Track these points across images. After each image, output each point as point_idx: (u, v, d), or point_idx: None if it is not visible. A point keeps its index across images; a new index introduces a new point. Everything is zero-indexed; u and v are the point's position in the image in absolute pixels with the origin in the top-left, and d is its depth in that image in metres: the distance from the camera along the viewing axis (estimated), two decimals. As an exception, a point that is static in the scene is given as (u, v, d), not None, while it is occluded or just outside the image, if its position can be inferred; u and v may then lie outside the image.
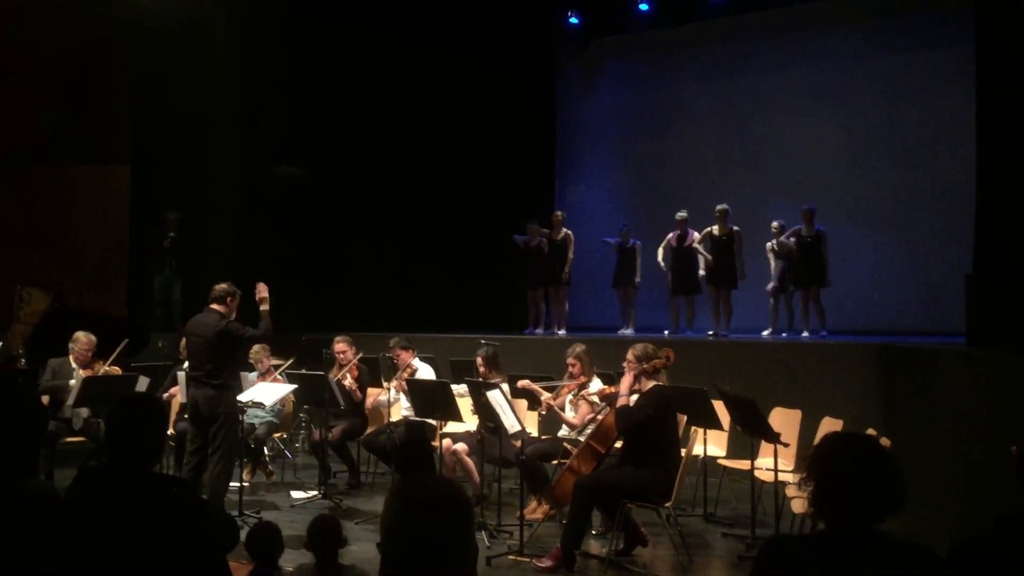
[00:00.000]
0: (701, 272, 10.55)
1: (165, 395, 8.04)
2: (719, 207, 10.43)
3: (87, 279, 11.99)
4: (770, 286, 10.54)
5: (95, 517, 2.79)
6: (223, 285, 6.59)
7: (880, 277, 11.76)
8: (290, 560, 4.25)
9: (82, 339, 7.68)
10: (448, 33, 12.91)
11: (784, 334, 10.34)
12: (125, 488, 2.85)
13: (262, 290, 6.62)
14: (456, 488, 1.88)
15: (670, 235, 10.80)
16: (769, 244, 10.54)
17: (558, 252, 11.05)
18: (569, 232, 11.12)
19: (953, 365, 6.90)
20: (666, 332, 10.66)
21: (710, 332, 10.42)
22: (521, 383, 6.98)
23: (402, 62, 13.02)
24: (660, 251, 10.89)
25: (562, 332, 11.08)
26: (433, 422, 7.13)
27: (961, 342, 7.53)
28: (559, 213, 11.34)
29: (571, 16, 13.80)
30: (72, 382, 7.42)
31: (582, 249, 11.53)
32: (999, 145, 7.62)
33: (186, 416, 6.86)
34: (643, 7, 13.21)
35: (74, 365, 7.63)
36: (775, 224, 10.49)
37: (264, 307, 6.59)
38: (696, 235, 10.60)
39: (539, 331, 11.31)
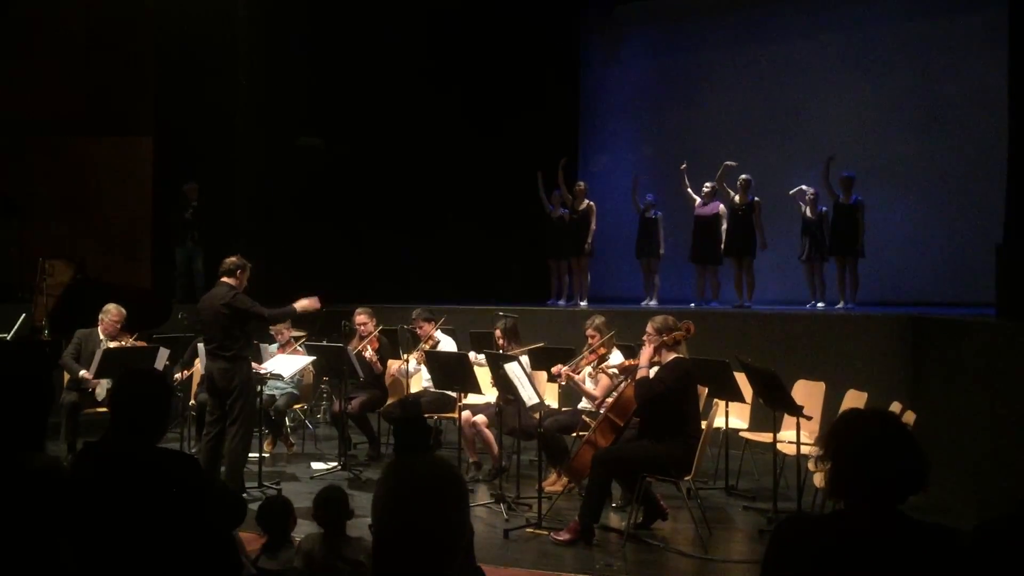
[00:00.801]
0: (722, 246, 10.41)
1: (188, 371, 8.11)
2: (742, 177, 10.28)
3: (112, 251, 12.06)
4: (804, 257, 10.36)
5: (100, 493, 2.76)
6: (233, 258, 6.57)
7: (909, 247, 11.52)
8: (305, 531, 4.24)
9: (112, 311, 7.71)
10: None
11: (811, 304, 10.19)
12: (129, 464, 2.82)
13: (313, 302, 6.66)
14: (450, 468, 1.81)
15: (697, 200, 10.65)
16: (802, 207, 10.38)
17: (580, 223, 10.93)
18: (591, 203, 10.98)
19: (982, 337, 6.75)
20: (692, 304, 10.53)
21: (734, 304, 10.30)
22: (556, 369, 6.90)
23: (424, 31, 12.84)
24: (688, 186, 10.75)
25: (584, 303, 10.99)
26: (452, 394, 7.11)
27: (991, 314, 7.38)
28: (581, 184, 11.20)
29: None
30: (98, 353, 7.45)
31: (605, 220, 11.39)
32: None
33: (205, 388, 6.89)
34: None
35: (102, 336, 7.68)
36: (810, 192, 10.28)
37: (297, 306, 6.63)
38: (722, 207, 10.47)
39: (561, 302, 11.23)
